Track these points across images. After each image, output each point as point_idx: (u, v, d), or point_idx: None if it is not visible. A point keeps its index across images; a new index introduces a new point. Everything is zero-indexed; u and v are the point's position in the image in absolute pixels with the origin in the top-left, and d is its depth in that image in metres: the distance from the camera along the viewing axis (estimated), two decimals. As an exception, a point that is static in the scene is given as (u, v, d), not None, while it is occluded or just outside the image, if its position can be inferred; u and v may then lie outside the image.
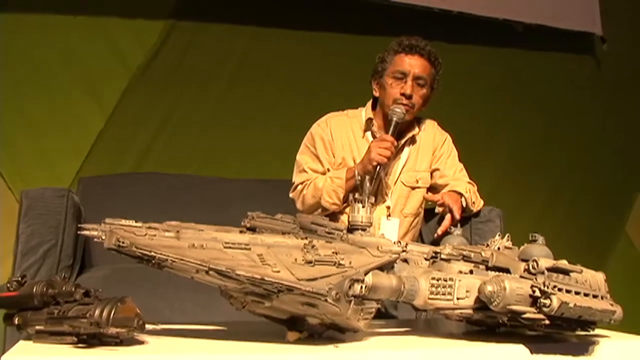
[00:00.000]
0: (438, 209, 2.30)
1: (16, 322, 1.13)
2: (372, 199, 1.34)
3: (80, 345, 1.08)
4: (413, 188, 2.35)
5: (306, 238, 1.22)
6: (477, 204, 2.33)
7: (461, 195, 2.26)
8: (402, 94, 2.24)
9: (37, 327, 1.10)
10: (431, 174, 2.41)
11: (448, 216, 2.19)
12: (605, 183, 4.27)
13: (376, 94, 2.34)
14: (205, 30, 3.46)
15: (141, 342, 1.14)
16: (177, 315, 1.95)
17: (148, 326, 1.17)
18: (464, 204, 2.25)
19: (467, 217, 2.32)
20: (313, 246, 1.18)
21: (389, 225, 2.23)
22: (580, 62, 4.28)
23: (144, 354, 1.08)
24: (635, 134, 4.38)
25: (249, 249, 1.14)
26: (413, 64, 2.27)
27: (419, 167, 2.37)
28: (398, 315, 2.07)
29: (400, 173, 2.32)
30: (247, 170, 3.35)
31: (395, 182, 2.31)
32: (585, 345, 1.31)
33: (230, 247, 1.13)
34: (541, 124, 4.15)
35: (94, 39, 3.25)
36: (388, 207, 2.28)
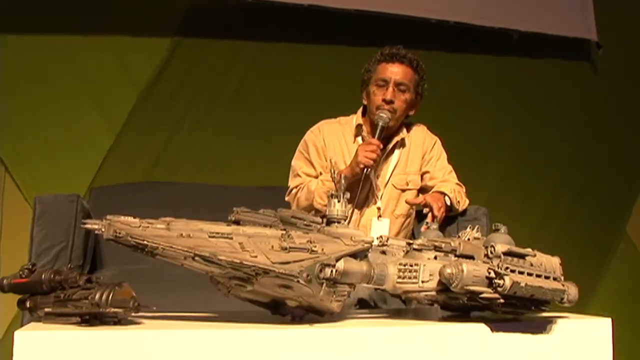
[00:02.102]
0: (425, 210, 2.43)
1: (28, 305, 1.29)
2: (347, 195, 1.48)
3: (83, 324, 1.23)
4: (403, 190, 2.47)
5: (285, 229, 1.36)
6: (463, 203, 2.45)
7: (444, 194, 2.38)
8: (383, 100, 2.38)
9: (46, 310, 1.26)
10: (421, 176, 2.53)
11: (430, 214, 2.31)
12: (605, 185, 4.34)
13: (365, 102, 2.48)
14: (209, 47, 3.63)
15: (137, 323, 1.28)
16: (181, 310, 2.08)
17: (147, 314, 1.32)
18: (449, 203, 2.37)
19: (454, 216, 2.44)
20: (289, 235, 1.32)
21: (379, 225, 2.36)
22: (577, 67, 4.35)
23: (139, 330, 1.23)
24: (634, 136, 4.46)
25: (231, 238, 1.28)
26: (394, 71, 2.42)
27: (410, 169, 2.50)
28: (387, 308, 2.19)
29: (390, 176, 2.46)
30: (251, 178, 3.49)
31: (385, 185, 2.45)
32: (544, 324, 1.44)
33: (214, 237, 1.27)
34: (540, 128, 4.23)
35: (103, 57, 3.43)
36: (379, 209, 2.41)
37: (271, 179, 3.34)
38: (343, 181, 1.50)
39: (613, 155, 4.39)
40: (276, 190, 2.97)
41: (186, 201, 3.01)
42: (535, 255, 1.40)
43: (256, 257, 1.24)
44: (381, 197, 2.43)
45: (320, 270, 1.28)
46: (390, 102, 2.38)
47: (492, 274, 1.32)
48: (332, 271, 1.30)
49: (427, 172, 2.53)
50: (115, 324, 1.24)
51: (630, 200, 4.44)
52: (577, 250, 4.16)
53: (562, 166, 4.26)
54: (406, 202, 2.44)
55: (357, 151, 2.32)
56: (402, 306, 2.15)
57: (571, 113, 4.30)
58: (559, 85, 4.30)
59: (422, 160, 2.52)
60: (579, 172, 4.27)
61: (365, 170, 2.29)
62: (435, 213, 2.27)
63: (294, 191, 2.45)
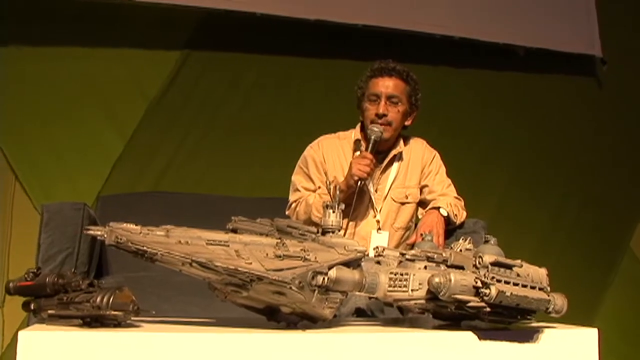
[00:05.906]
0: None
1: (32, 307, 1.35)
2: (342, 206, 1.53)
3: (84, 326, 1.28)
4: (403, 203, 2.51)
5: (280, 238, 1.41)
6: (460, 216, 2.49)
7: (439, 209, 2.43)
8: (376, 114, 2.43)
9: (50, 312, 1.31)
10: (420, 189, 2.57)
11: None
12: (609, 200, 4.36)
13: (361, 118, 2.53)
14: (216, 59, 3.71)
15: (136, 326, 1.34)
16: (181, 315, 2.14)
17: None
18: (445, 215, 2.42)
19: (452, 229, 2.48)
20: (284, 244, 1.37)
21: (379, 238, 2.40)
22: (582, 83, 4.40)
23: (137, 332, 1.28)
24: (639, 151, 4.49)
25: (228, 246, 1.33)
26: (385, 85, 2.46)
27: (409, 183, 2.54)
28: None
29: (389, 189, 2.50)
30: (257, 189, 3.55)
31: (384, 198, 2.49)
32: (531, 334, 1.48)
33: (211, 244, 1.32)
34: (545, 142, 4.27)
35: (113, 69, 3.52)
36: (378, 221, 2.45)
37: (277, 190, 3.40)
38: (338, 192, 1.56)
39: (618, 169, 4.41)
40: (280, 201, 3.02)
41: (192, 211, 3.07)
42: (522, 266, 1.44)
43: (251, 264, 1.29)
44: (380, 210, 2.47)
45: (312, 278, 1.33)
46: (384, 115, 2.43)
47: (479, 284, 1.36)
48: (324, 279, 1.35)
49: (426, 185, 2.57)
50: (115, 326, 1.29)
51: (635, 215, 4.45)
52: (581, 265, 4.19)
53: (567, 180, 4.29)
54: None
55: (350, 164, 2.37)
56: (399, 316, 2.20)
57: (576, 128, 4.34)
58: (564, 101, 4.34)
59: (421, 173, 2.56)
60: (583, 187, 4.30)
61: (359, 182, 2.33)
62: (439, 241, 2.30)
63: (293, 205, 2.49)
